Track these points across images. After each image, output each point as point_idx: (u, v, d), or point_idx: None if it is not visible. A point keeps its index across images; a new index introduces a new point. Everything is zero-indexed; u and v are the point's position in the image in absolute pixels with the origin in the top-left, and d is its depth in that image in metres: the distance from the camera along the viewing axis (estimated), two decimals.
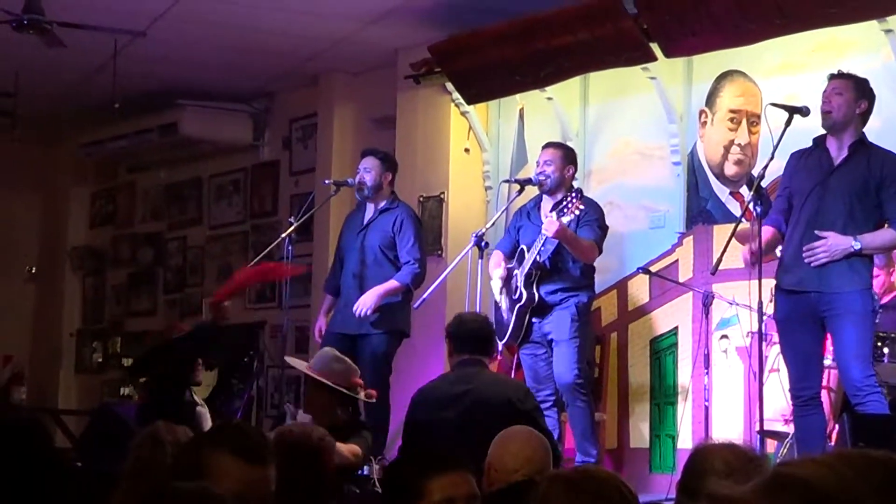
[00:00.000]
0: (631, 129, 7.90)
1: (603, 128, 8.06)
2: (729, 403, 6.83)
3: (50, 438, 3.28)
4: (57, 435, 8.71)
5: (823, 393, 5.58)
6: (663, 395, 7.34)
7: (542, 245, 6.45)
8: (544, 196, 6.70)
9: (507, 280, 6.62)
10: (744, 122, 7.35)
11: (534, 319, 6.53)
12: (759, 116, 7.08)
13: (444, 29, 8.12)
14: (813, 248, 5.30)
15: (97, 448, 6.49)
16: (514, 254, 6.70)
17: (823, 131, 5.49)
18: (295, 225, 7.27)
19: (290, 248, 7.22)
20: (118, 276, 12.00)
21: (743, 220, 5.69)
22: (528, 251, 6.53)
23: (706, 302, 6.66)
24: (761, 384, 5.43)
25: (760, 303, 5.34)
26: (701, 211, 7.52)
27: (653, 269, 7.27)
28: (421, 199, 8.58)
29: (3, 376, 10.91)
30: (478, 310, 6.86)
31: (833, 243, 5.27)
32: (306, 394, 5.78)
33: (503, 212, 7.31)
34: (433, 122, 8.71)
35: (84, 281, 12.27)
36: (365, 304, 6.94)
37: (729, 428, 6.68)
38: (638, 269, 7.28)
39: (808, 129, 5.67)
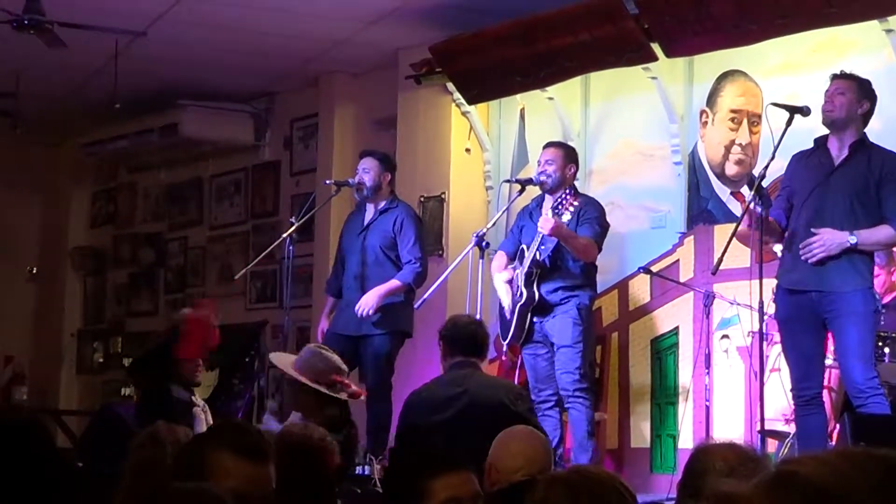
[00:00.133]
0: (632, 129, 7.90)
1: (604, 128, 8.06)
2: (730, 403, 6.83)
3: (51, 439, 3.27)
4: (58, 435, 8.71)
5: (825, 393, 5.58)
6: (664, 395, 7.33)
7: (541, 243, 6.45)
8: (546, 196, 6.69)
9: (511, 281, 6.61)
10: (745, 121, 7.34)
11: (535, 319, 6.52)
12: (759, 116, 7.07)
13: (445, 29, 8.12)
14: (809, 244, 5.29)
15: (98, 448, 6.48)
16: (517, 254, 6.69)
17: (824, 131, 5.49)
18: (296, 225, 7.27)
19: (290, 248, 7.21)
20: (119, 277, 12.00)
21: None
22: (528, 250, 6.53)
23: (707, 302, 6.66)
24: (762, 384, 5.43)
25: (761, 302, 5.33)
26: (702, 211, 7.52)
27: (654, 269, 7.27)
28: (422, 199, 8.58)
29: (3, 376, 10.92)
30: (479, 309, 6.87)
31: (828, 238, 5.26)
32: (292, 393, 5.60)
33: (504, 212, 7.30)
34: (434, 122, 8.71)
35: (85, 281, 12.27)
36: (367, 304, 6.92)
37: (730, 428, 6.68)
38: (639, 268, 7.27)
39: (809, 129, 5.67)
